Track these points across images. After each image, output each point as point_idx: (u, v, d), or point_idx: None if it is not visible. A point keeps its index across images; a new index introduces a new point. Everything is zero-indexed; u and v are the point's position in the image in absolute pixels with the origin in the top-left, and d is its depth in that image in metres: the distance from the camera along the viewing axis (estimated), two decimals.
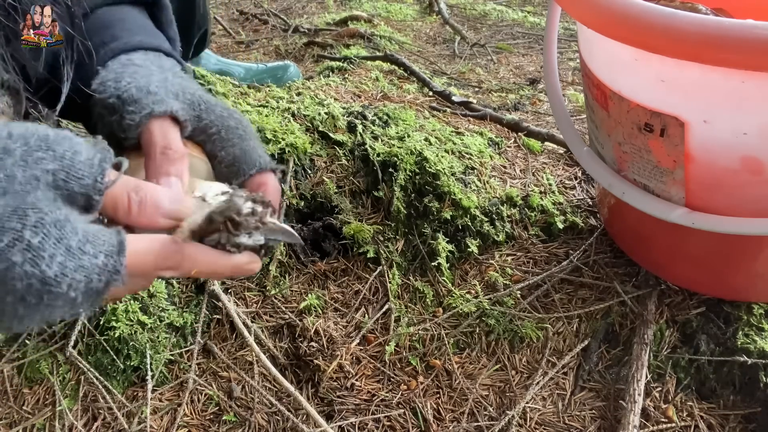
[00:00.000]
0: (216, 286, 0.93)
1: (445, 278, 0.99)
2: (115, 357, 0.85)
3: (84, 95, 0.54)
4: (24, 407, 0.82)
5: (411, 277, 1.00)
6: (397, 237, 1.03)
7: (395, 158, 1.07)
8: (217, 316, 0.93)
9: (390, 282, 0.98)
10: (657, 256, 0.92)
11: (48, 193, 0.37)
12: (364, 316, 0.95)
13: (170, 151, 0.48)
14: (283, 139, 1.08)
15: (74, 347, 0.85)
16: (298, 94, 1.32)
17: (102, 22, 0.58)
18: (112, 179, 0.40)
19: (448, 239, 1.02)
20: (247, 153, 0.53)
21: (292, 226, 1.04)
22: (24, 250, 0.34)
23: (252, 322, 0.93)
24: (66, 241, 0.36)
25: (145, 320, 0.87)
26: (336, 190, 1.07)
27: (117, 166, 0.41)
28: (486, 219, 1.04)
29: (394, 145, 1.11)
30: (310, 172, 1.09)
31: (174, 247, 0.41)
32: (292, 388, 0.81)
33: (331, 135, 1.14)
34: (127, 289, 0.43)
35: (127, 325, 0.86)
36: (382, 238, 1.03)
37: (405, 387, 0.87)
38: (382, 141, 1.13)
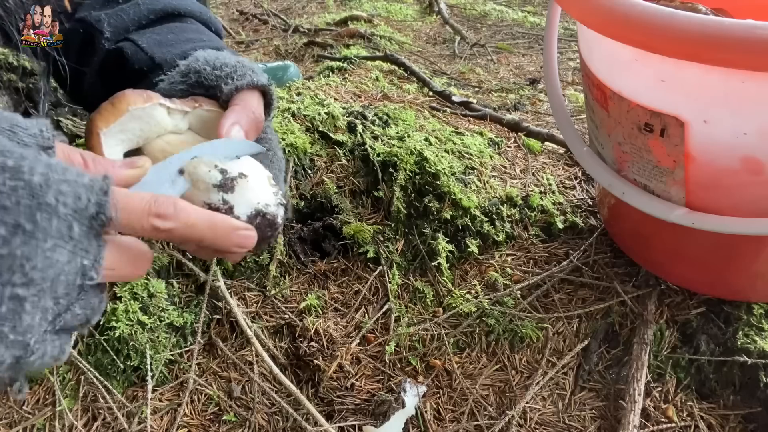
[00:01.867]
0: (220, 283, 0.93)
1: (445, 278, 0.99)
2: (115, 357, 0.85)
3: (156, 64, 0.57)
4: (24, 407, 0.82)
5: (411, 277, 1.00)
6: (397, 237, 1.03)
7: (395, 158, 1.07)
8: (217, 316, 0.93)
9: (390, 282, 0.98)
10: (657, 256, 0.92)
11: (3, 139, 0.34)
12: (364, 316, 0.95)
13: (257, 115, 0.51)
14: (283, 139, 1.08)
15: (74, 347, 0.85)
16: (298, 94, 1.32)
17: (197, 29, 0.63)
18: (56, 135, 0.39)
19: (448, 239, 1.02)
20: (277, 179, 0.57)
21: (292, 226, 1.04)
22: (0, 172, 0.32)
23: (252, 322, 0.93)
24: (45, 160, 0.34)
25: (145, 320, 0.87)
26: (336, 190, 1.07)
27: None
28: (486, 219, 1.04)
29: (394, 145, 1.11)
30: (310, 172, 1.09)
31: (164, 197, 0.39)
32: (294, 388, 0.81)
33: (331, 135, 1.14)
34: (134, 259, 0.40)
35: (127, 325, 0.86)
36: (382, 238, 1.03)
37: None
38: (382, 141, 1.13)
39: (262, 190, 0.47)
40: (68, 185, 0.34)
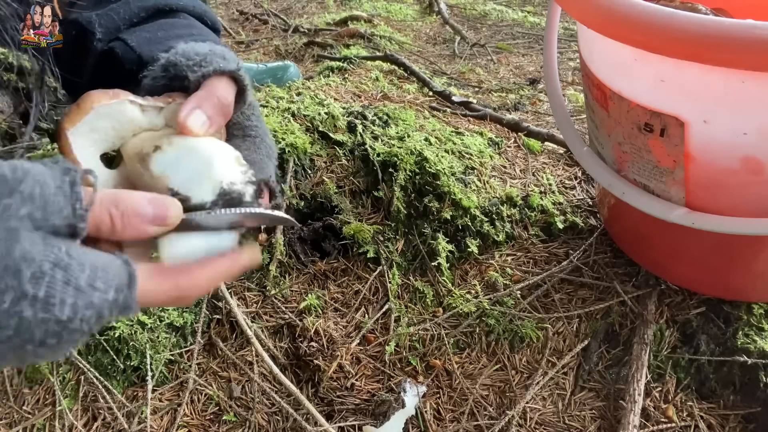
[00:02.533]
0: (222, 285, 0.93)
1: (445, 278, 0.99)
2: (115, 357, 0.85)
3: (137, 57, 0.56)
4: (24, 407, 0.82)
5: (411, 277, 1.00)
6: (397, 237, 1.03)
7: (395, 158, 1.07)
8: (217, 316, 0.93)
9: (390, 282, 0.98)
10: (657, 256, 0.92)
11: (33, 236, 0.35)
12: (364, 316, 0.95)
13: (220, 102, 0.49)
14: (283, 139, 1.08)
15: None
16: (298, 94, 1.32)
17: (188, 24, 0.62)
18: (90, 198, 0.38)
19: (448, 239, 1.02)
20: (264, 164, 0.56)
21: (292, 227, 1.04)
22: (31, 304, 0.34)
23: (252, 322, 0.93)
24: (74, 281, 0.35)
25: (145, 320, 0.87)
26: (336, 190, 1.07)
27: (87, 182, 0.39)
28: (486, 219, 1.04)
29: (394, 145, 1.11)
30: (310, 172, 1.09)
31: (186, 280, 0.41)
32: (294, 388, 0.81)
33: (331, 135, 1.14)
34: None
35: (127, 325, 0.86)
36: (382, 238, 1.03)
37: None
38: (382, 141, 1.13)
39: (226, 169, 0.45)
40: (93, 308, 0.36)
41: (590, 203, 1.11)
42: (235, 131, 0.57)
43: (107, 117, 0.47)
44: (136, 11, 0.61)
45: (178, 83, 0.53)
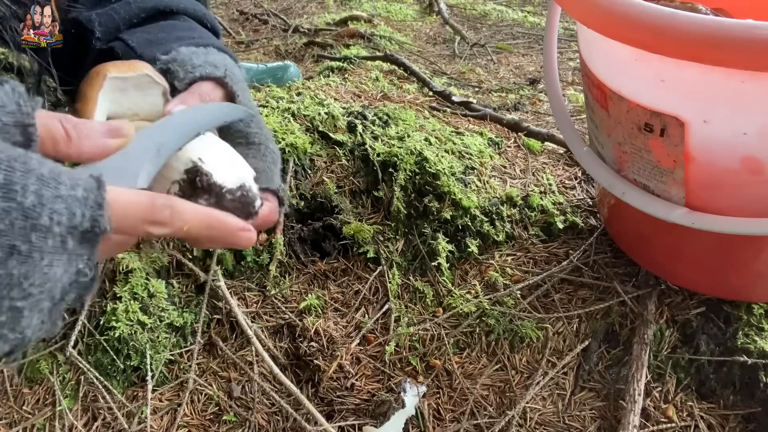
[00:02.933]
0: (222, 282, 0.93)
1: (445, 278, 0.99)
2: (115, 357, 0.85)
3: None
4: (24, 407, 0.82)
5: (411, 277, 1.00)
6: (397, 237, 1.03)
7: (395, 158, 1.07)
8: (217, 316, 0.93)
9: (390, 282, 0.98)
10: (657, 256, 0.92)
11: None
12: (364, 316, 0.95)
13: (206, 98, 0.50)
14: (283, 139, 1.08)
15: (74, 347, 0.85)
16: (298, 94, 1.32)
17: (188, 26, 0.62)
18: (35, 102, 0.36)
19: (448, 239, 1.02)
20: (271, 172, 0.57)
21: (292, 226, 1.04)
22: None
23: (252, 322, 0.93)
24: (36, 171, 0.32)
25: (145, 320, 0.87)
26: (336, 190, 1.07)
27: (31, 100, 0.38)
28: (486, 219, 1.04)
29: (394, 145, 1.11)
30: (310, 172, 1.09)
31: (162, 199, 0.39)
32: (294, 388, 0.81)
33: (331, 135, 1.14)
34: (115, 246, 0.40)
35: (127, 325, 0.86)
36: (382, 238, 1.03)
37: None
38: (382, 141, 1.13)
39: (250, 174, 0.48)
40: (62, 201, 0.33)
41: (590, 203, 1.11)
42: (238, 139, 0.57)
43: (124, 87, 0.49)
44: (136, 12, 0.61)
45: (173, 88, 0.54)
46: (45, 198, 0.32)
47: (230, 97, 0.54)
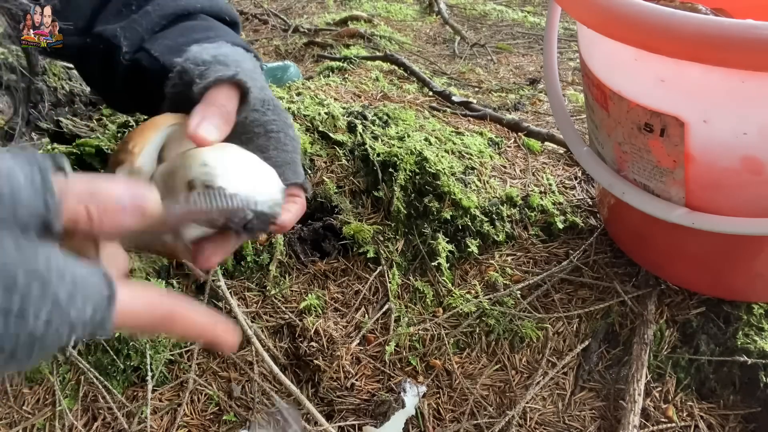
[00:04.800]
0: (222, 283, 0.93)
1: (445, 278, 0.99)
2: (115, 357, 0.85)
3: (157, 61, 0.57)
4: (24, 407, 0.82)
5: (411, 277, 1.00)
6: (397, 237, 1.03)
7: (395, 158, 1.07)
8: None
9: (390, 282, 0.98)
10: (657, 256, 0.92)
11: (4, 239, 0.32)
12: (364, 316, 0.95)
13: (225, 110, 0.50)
14: None
15: (74, 347, 0.85)
16: (298, 94, 1.32)
17: (205, 26, 0.62)
18: (62, 188, 0.35)
19: (448, 239, 1.02)
20: (294, 163, 0.57)
21: (292, 227, 1.04)
22: (3, 316, 0.30)
23: (252, 322, 0.93)
24: (53, 294, 0.32)
25: None
26: (336, 190, 1.07)
27: (60, 167, 0.36)
28: (486, 219, 1.04)
29: (394, 145, 1.11)
30: (310, 172, 1.09)
31: (165, 308, 0.39)
32: (294, 388, 0.81)
33: (331, 135, 1.14)
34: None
35: None
36: (382, 238, 1.03)
37: None
38: (382, 141, 1.13)
39: (278, 188, 0.48)
40: (68, 327, 0.34)
41: (590, 203, 1.11)
42: (256, 129, 0.57)
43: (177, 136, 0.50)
44: (156, 20, 0.61)
45: (190, 89, 0.54)
46: (53, 324, 0.33)
47: (244, 93, 0.53)
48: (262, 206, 0.44)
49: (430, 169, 1.05)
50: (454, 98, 1.45)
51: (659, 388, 0.84)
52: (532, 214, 1.08)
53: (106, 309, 0.34)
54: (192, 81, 0.52)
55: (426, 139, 1.15)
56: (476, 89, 1.69)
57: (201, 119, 0.48)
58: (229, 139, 0.51)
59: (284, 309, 0.95)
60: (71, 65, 1.26)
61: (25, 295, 0.31)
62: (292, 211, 0.55)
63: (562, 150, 1.27)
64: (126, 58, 0.60)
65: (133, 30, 0.60)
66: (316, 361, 0.87)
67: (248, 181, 0.45)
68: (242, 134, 0.56)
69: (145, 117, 0.58)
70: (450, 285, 0.98)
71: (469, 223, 1.03)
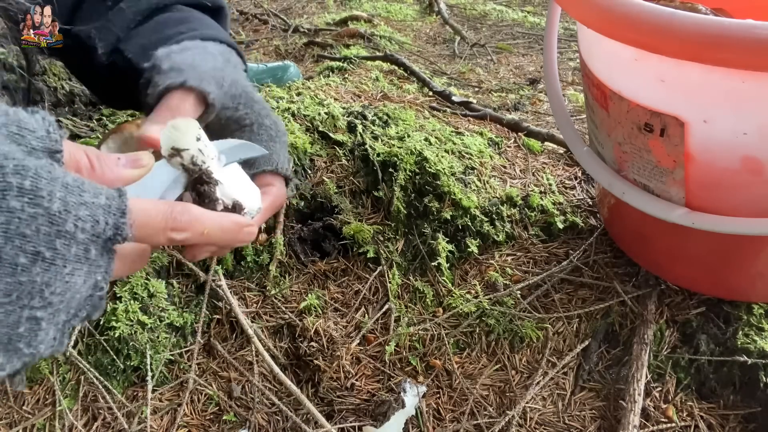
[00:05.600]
0: (222, 282, 0.93)
1: (445, 278, 0.99)
2: (115, 357, 0.85)
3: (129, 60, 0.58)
4: (24, 407, 0.82)
5: (411, 277, 1.00)
6: (397, 237, 1.03)
7: (395, 158, 1.07)
8: (217, 316, 0.93)
9: (390, 282, 0.98)
10: (657, 256, 0.92)
11: (12, 145, 0.33)
12: (364, 316, 0.95)
13: (177, 112, 0.50)
14: None
15: (74, 347, 0.85)
16: (298, 94, 1.32)
17: (179, 18, 0.62)
18: (62, 133, 0.38)
19: (448, 239, 1.02)
20: (272, 154, 0.57)
21: (292, 226, 1.04)
22: (18, 195, 0.31)
23: (252, 322, 0.93)
24: (61, 179, 0.33)
25: (145, 320, 0.87)
26: (336, 190, 1.07)
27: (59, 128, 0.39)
28: (486, 219, 1.04)
29: (394, 145, 1.11)
30: (310, 172, 1.09)
31: (180, 206, 0.40)
32: (294, 388, 0.81)
33: (331, 135, 1.14)
34: (132, 262, 0.41)
35: (127, 325, 0.86)
36: (382, 238, 1.03)
37: None
38: (382, 141, 1.13)
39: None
40: (86, 209, 0.34)
41: (590, 203, 1.11)
42: (232, 124, 0.57)
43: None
44: (131, 17, 0.61)
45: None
46: (70, 204, 0.33)
47: (202, 97, 0.53)
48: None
49: (430, 169, 1.05)
50: (454, 98, 1.45)
51: (659, 388, 0.84)
52: (532, 214, 1.08)
53: (118, 197, 0.35)
54: (162, 73, 0.53)
55: (426, 139, 1.15)
56: (476, 89, 1.69)
57: (151, 123, 0.49)
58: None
59: (284, 309, 0.95)
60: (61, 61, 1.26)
61: (36, 177, 0.32)
62: (263, 203, 0.54)
63: (562, 150, 1.27)
64: (103, 59, 0.60)
65: (108, 30, 0.60)
66: (316, 361, 0.87)
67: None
68: (218, 131, 0.56)
69: (144, 114, 0.58)
70: (450, 285, 0.98)
71: (469, 223, 1.03)
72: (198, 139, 0.46)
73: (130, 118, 1.13)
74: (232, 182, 0.48)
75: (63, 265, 0.33)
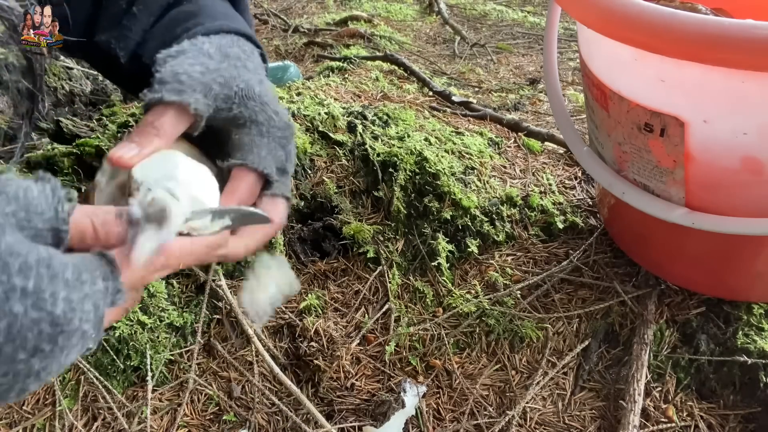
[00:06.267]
0: (222, 282, 0.93)
1: (445, 278, 0.99)
2: (115, 357, 0.85)
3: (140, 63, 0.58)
4: (24, 407, 0.82)
5: (411, 277, 1.00)
6: (397, 237, 1.03)
7: (395, 158, 1.07)
8: (217, 316, 0.93)
9: (390, 282, 0.98)
10: (657, 256, 0.92)
11: (17, 235, 0.34)
12: (364, 316, 0.95)
13: (150, 127, 0.49)
14: None
15: None
16: (298, 94, 1.32)
17: (189, 12, 0.61)
18: (71, 207, 0.39)
19: (448, 239, 1.02)
20: (255, 147, 0.55)
21: (292, 226, 1.04)
22: (21, 298, 0.32)
23: (252, 322, 0.93)
24: (62, 275, 0.34)
25: (145, 320, 0.87)
26: (336, 190, 1.07)
27: (68, 198, 0.40)
28: (486, 219, 1.04)
29: (394, 145, 1.11)
30: (310, 172, 1.09)
31: (160, 262, 0.42)
32: (294, 388, 0.81)
33: (331, 135, 1.14)
34: (123, 309, 0.44)
35: (127, 325, 0.86)
36: (382, 238, 1.03)
37: None
38: (382, 141, 1.13)
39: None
40: (89, 301, 0.35)
41: (590, 203, 1.11)
42: (229, 125, 0.56)
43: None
44: (145, 20, 0.61)
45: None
46: (74, 302, 0.34)
47: (183, 107, 0.51)
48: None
49: (430, 169, 1.05)
50: (454, 98, 1.45)
51: (659, 388, 0.84)
52: (532, 214, 1.08)
53: (112, 275, 0.38)
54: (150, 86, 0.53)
55: (426, 139, 1.15)
56: (476, 89, 1.69)
57: (121, 144, 0.49)
58: (206, 139, 0.53)
59: (284, 309, 0.95)
60: (71, 66, 1.26)
61: (39, 278, 0.33)
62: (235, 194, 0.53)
63: (562, 150, 1.27)
64: (127, 66, 0.60)
65: (125, 38, 0.60)
66: (316, 361, 0.87)
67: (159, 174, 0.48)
68: (220, 133, 0.56)
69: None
70: (450, 285, 0.98)
71: (469, 223, 1.03)
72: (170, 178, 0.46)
73: (130, 119, 1.13)
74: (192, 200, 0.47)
75: (61, 351, 0.35)
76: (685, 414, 0.81)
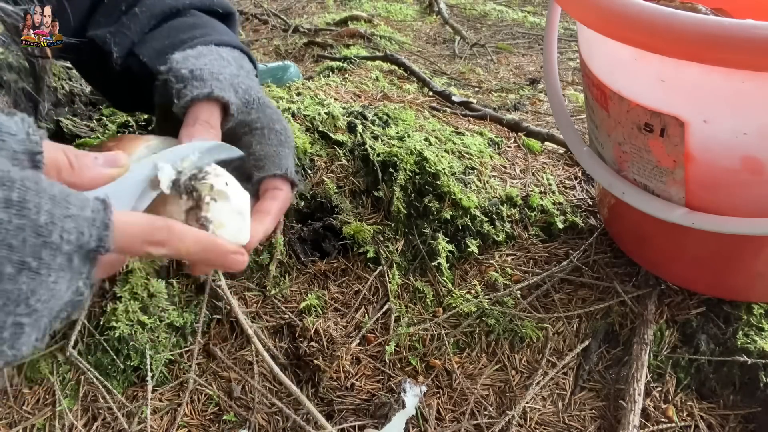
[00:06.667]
0: (222, 282, 0.93)
1: (445, 278, 0.99)
2: (115, 357, 0.85)
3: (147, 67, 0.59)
4: (24, 407, 0.82)
5: (411, 277, 1.00)
6: (397, 237, 1.03)
7: (395, 158, 1.07)
8: (217, 316, 0.93)
9: (390, 282, 0.98)
10: (657, 256, 0.92)
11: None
12: (364, 316, 0.95)
13: (208, 125, 0.52)
14: None
15: (74, 347, 0.85)
16: (298, 94, 1.32)
17: (192, 23, 0.63)
18: (42, 134, 0.39)
19: (448, 239, 1.02)
20: (278, 156, 0.58)
21: (292, 226, 1.04)
22: (5, 207, 0.32)
23: (252, 322, 0.93)
24: (48, 191, 0.34)
25: (145, 320, 0.87)
26: (336, 190, 1.07)
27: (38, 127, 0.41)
28: (486, 219, 1.04)
29: (394, 145, 1.11)
30: (310, 172, 1.09)
31: (161, 221, 0.41)
32: (294, 388, 0.81)
33: (331, 135, 1.14)
34: (109, 266, 0.43)
35: (127, 325, 0.86)
36: (382, 238, 1.03)
37: None
38: (382, 141, 1.13)
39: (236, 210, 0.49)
40: (72, 221, 0.35)
41: (590, 203, 1.11)
42: (242, 129, 0.58)
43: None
44: (145, 22, 0.62)
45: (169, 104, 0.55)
46: (56, 217, 0.34)
47: (223, 106, 0.54)
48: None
49: (430, 169, 1.05)
50: (454, 98, 1.45)
51: (659, 388, 0.84)
52: (532, 214, 1.08)
53: (103, 210, 0.37)
54: (173, 96, 0.53)
55: (426, 139, 1.15)
56: (476, 89, 1.69)
57: (189, 140, 0.50)
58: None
59: (284, 309, 0.95)
60: (71, 66, 1.26)
61: (23, 189, 0.33)
62: (272, 207, 0.55)
63: (562, 150, 1.27)
64: (118, 63, 0.61)
65: (123, 35, 0.61)
66: (316, 361, 0.87)
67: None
68: (230, 136, 0.57)
69: (146, 116, 0.59)
70: (450, 285, 0.98)
71: (469, 223, 1.03)
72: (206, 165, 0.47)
73: (130, 119, 1.13)
74: (226, 207, 0.47)
75: (48, 273, 0.34)
76: (685, 414, 0.81)
